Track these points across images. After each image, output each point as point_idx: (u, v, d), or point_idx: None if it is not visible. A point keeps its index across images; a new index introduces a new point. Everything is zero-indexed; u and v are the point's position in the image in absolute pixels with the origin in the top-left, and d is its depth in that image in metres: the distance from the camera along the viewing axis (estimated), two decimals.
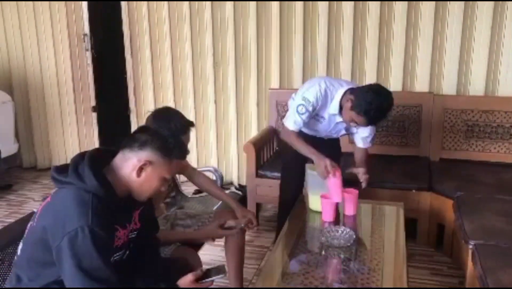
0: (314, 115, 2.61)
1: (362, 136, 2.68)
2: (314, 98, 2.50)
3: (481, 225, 2.41)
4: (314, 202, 2.47)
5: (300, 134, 2.63)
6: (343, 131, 2.72)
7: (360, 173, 2.59)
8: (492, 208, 2.61)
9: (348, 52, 3.71)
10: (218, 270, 1.70)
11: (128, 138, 1.54)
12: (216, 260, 2.85)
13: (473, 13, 3.43)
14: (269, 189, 3.29)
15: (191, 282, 1.61)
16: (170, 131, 1.86)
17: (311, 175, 2.47)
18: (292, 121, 2.55)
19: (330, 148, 2.76)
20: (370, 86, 2.43)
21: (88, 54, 4.50)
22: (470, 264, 2.24)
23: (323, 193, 2.38)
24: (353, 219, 2.40)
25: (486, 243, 2.24)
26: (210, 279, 1.66)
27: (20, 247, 1.58)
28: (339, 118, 2.55)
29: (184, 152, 1.61)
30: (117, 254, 1.58)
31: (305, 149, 2.51)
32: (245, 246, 2.52)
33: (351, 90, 2.46)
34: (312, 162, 2.49)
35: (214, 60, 4.08)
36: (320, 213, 2.40)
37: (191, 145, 4.25)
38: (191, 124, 2.07)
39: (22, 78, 4.70)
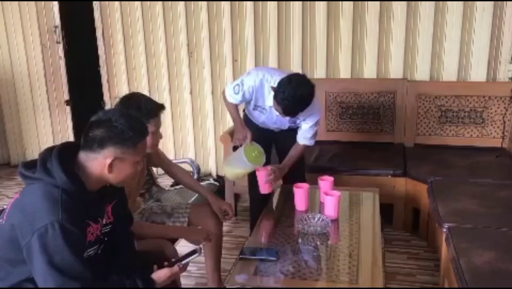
0: (256, 107, 2.63)
1: (304, 130, 2.62)
2: (247, 87, 2.55)
3: (455, 208, 2.46)
4: (228, 172, 2.73)
5: (253, 126, 2.71)
6: (288, 124, 2.67)
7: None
8: (465, 192, 2.66)
9: (322, 41, 3.71)
10: (192, 252, 1.70)
11: (85, 139, 1.48)
12: None
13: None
14: (246, 179, 3.28)
15: (165, 274, 1.61)
16: (139, 116, 1.82)
17: (234, 154, 2.66)
18: (229, 94, 2.66)
19: (288, 140, 2.73)
20: (290, 76, 2.37)
21: (60, 47, 4.40)
22: (444, 246, 2.28)
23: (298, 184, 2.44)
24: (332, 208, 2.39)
25: (459, 225, 2.28)
26: (184, 261, 1.67)
27: None
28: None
29: (144, 131, 1.56)
30: (91, 249, 1.55)
31: (233, 115, 2.73)
32: (224, 237, 2.52)
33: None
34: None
35: (189, 49, 4.04)
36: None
37: (168, 137, 4.23)
38: (161, 107, 2.04)
39: None
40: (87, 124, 1.50)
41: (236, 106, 2.72)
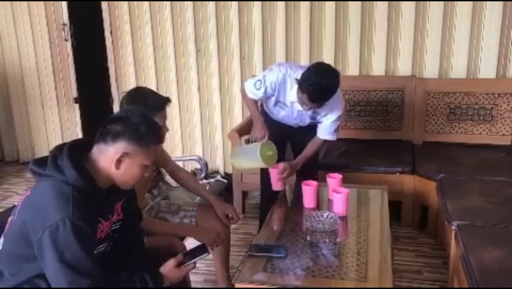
0: (277, 103, 2.62)
1: (326, 125, 2.61)
2: (269, 83, 2.53)
3: (464, 206, 2.45)
4: (236, 163, 2.84)
5: (270, 122, 2.68)
6: (308, 120, 2.66)
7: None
8: (474, 189, 2.65)
9: (331, 37, 3.70)
10: (201, 249, 1.69)
11: (101, 132, 1.50)
12: None
13: None
14: (254, 176, 3.27)
15: (174, 267, 1.61)
16: (146, 110, 1.82)
17: (248, 148, 2.68)
18: (249, 90, 2.64)
19: (305, 137, 2.73)
20: (314, 65, 2.37)
21: (68, 44, 4.42)
22: (453, 244, 2.27)
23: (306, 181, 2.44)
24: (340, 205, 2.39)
25: (468, 223, 2.27)
26: (193, 260, 1.66)
27: (0, 241, 1.56)
28: (299, 106, 2.50)
29: (159, 135, 1.57)
30: (101, 246, 1.56)
31: (253, 112, 2.70)
32: (232, 234, 2.52)
33: None
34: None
35: (196, 46, 4.04)
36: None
37: (175, 133, 4.23)
38: (167, 100, 2.04)
39: (1, 69, 4.61)
40: (106, 119, 1.52)
41: (256, 102, 2.72)
